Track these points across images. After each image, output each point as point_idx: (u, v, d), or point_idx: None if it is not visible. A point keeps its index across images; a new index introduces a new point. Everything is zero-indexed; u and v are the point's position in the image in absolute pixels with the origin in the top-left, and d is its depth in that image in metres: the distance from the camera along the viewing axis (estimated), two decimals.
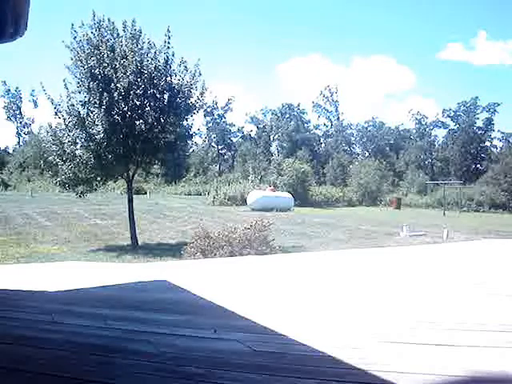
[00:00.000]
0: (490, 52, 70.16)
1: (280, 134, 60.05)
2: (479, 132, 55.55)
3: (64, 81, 12.45)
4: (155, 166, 22.87)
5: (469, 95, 64.83)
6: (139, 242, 13.17)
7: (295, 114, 62.22)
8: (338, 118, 62.80)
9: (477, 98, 55.18)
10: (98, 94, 12.10)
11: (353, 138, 62.85)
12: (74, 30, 12.37)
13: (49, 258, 10.46)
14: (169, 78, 12.90)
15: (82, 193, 13.99)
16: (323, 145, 62.24)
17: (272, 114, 62.93)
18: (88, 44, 12.32)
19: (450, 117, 57.97)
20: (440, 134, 79.42)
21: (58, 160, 12.67)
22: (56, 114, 12.55)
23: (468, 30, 79.24)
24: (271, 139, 62.42)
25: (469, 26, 73.42)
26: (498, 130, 56.37)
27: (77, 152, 12.41)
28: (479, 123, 55.68)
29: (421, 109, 59.99)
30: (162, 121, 12.83)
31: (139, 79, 12.32)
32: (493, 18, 71.27)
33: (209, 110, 53.30)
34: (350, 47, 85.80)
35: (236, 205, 29.66)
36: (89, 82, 12.14)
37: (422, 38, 76.04)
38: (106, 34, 12.55)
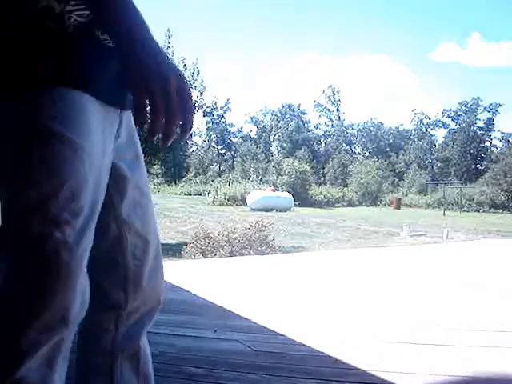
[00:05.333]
0: (486, 53, 70.50)
1: (280, 134, 60.03)
2: (479, 132, 55.56)
3: None
4: (155, 166, 22.85)
5: (466, 95, 65.14)
6: None
7: (295, 114, 62.21)
8: (339, 118, 62.80)
9: (478, 98, 55.32)
10: None
11: (353, 138, 62.82)
12: None
13: None
14: None
15: None
16: (323, 145, 62.20)
17: (272, 114, 62.91)
18: None
19: (450, 117, 58.02)
20: (440, 134, 79.54)
21: None
22: None
23: (464, 31, 79.51)
24: (271, 139, 62.40)
25: (464, 27, 73.68)
26: (498, 130, 56.45)
27: None
28: (480, 123, 55.78)
29: (422, 109, 60.18)
30: None
31: None
32: (486, 20, 71.57)
33: (208, 110, 53.26)
34: (350, 48, 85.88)
35: (236, 205, 29.63)
36: None
37: (420, 38, 76.26)
38: None
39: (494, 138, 56.64)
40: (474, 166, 54.25)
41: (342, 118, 62.88)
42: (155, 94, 0.76)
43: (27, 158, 0.78)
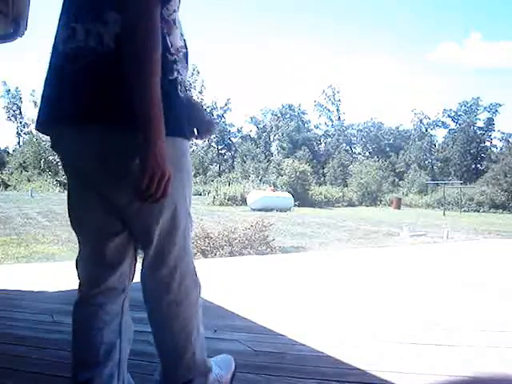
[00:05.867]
0: (486, 53, 70.58)
1: (280, 134, 59.97)
2: (479, 132, 55.53)
3: None
4: None
5: (466, 95, 65.11)
6: None
7: (295, 114, 62.15)
8: (339, 118, 62.73)
9: (478, 98, 55.31)
10: None
11: (353, 138, 62.73)
12: None
13: (49, 258, 10.45)
14: None
15: None
16: (323, 145, 62.13)
17: (272, 114, 62.85)
18: None
19: (450, 117, 58.00)
20: (440, 134, 79.47)
21: (58, 159, 12.65)
22: None
23: (464, 31, 79.57)
24: (271, 139, 62.35)
25: (464, 27, 73.79)
26: (498, 130, 56.42)
27: None
28: (480, 123, 55.74)
29: (422, 109, 60.12)
30: None
31: None
32: (486, 20, 71.62)
33: (208, 110, 53.19)
34: (350, 48, 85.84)
35: (236, 205, 29.63)
36: None
37: (419, 38, 76.28)
38: None
39: (494, 138, 56.66)
40: (474, 166, 54.21)
41: (342, 118, 62.86)
42: (154, 180, 1.16)
43: (189, 183, 1.43)
